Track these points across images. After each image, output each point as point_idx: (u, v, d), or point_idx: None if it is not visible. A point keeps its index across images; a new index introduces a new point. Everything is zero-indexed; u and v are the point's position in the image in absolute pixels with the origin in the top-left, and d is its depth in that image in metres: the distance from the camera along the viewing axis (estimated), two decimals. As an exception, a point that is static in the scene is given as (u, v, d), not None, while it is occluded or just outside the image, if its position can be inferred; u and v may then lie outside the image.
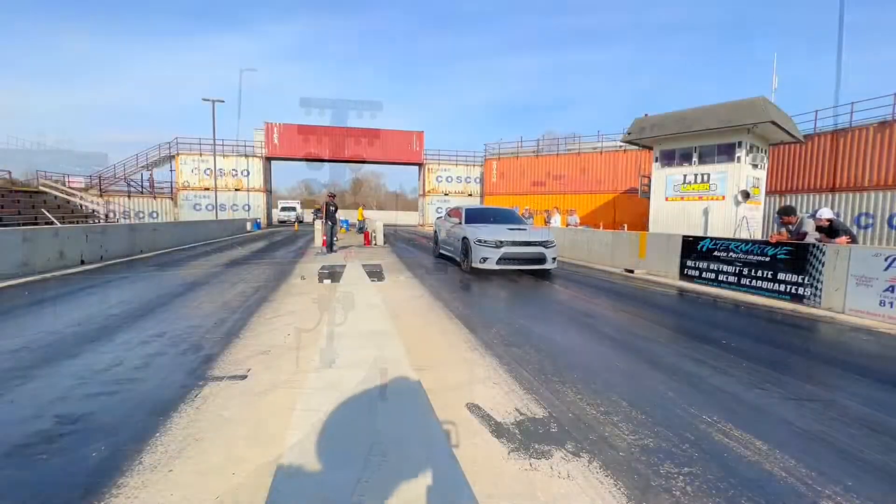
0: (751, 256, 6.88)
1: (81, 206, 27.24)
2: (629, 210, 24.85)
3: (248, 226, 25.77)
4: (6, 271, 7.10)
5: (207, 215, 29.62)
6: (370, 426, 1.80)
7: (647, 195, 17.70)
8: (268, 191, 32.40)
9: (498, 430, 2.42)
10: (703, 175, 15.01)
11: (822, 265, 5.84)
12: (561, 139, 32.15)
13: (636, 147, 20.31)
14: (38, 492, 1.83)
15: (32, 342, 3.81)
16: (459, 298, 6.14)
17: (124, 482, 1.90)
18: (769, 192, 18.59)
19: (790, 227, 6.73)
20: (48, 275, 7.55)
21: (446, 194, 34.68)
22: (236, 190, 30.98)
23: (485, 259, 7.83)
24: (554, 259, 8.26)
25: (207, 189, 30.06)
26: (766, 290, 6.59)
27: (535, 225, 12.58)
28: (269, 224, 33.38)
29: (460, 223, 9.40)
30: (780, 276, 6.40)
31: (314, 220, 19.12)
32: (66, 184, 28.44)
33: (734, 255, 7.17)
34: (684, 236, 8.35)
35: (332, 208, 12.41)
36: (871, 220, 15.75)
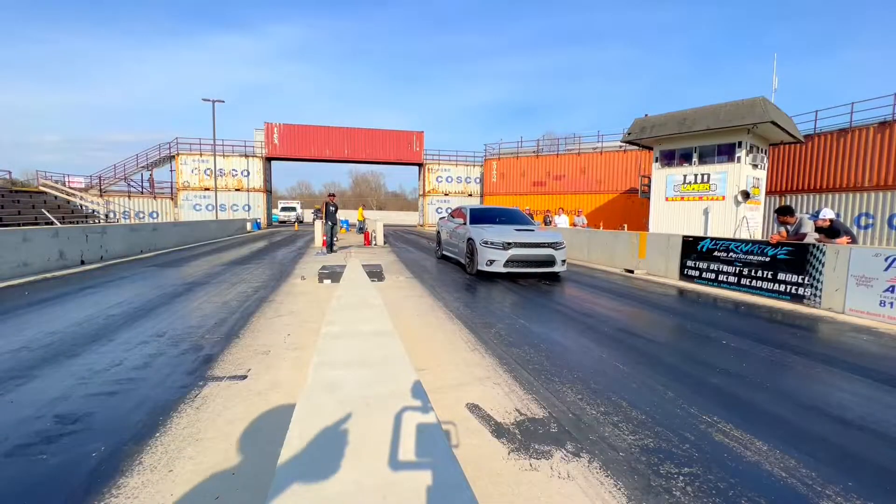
0: (751, 257, 6.88)
1: (81, 207, 27.25)
2: (629, 210, 24.86)
3: (248, 226, 25.79)
4: (6, 271, 7.10)
5: (207, 215, 29.63)
6: (370, 426, 1.80)
7: (647, 195, 17.71)
8: (268, 191, 32.40)
9: (498, 430, 2.42)
10: (703, 175, 15.02)
11: (822, 265, 5.85)
12: (561, 139, 32.19)
13: (636, 147, 20.32)
14: (38, 492, 1.83)
15: (32, 342, 3.81)
16: (459, 299, 6.14)
17: (124, 482, 1.90)
18: (769, 193, 18.60)
19: (788, 226, 6.73)
20: (48, 275, 7.56)
21: (446, 194, 34.68)
22: (236, 190, 30.98)
23: (491, 261, 7.58)
24: (563, 261, 7.97)
25: (207, 189, 30.07)
26: (766, 290, 6.59)
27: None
28: (269, 224, 33.40)
29: (464, 224, 9.10)
30: (780, 276, 6.40)
31: (314, 220, 19.12)
32: (66, 184, 28.45)
33: (734, 256, 7.17)
34: (684, 236, 8.35)
35: (332, 208, 12.42)
36: (871, 220, 15.75)
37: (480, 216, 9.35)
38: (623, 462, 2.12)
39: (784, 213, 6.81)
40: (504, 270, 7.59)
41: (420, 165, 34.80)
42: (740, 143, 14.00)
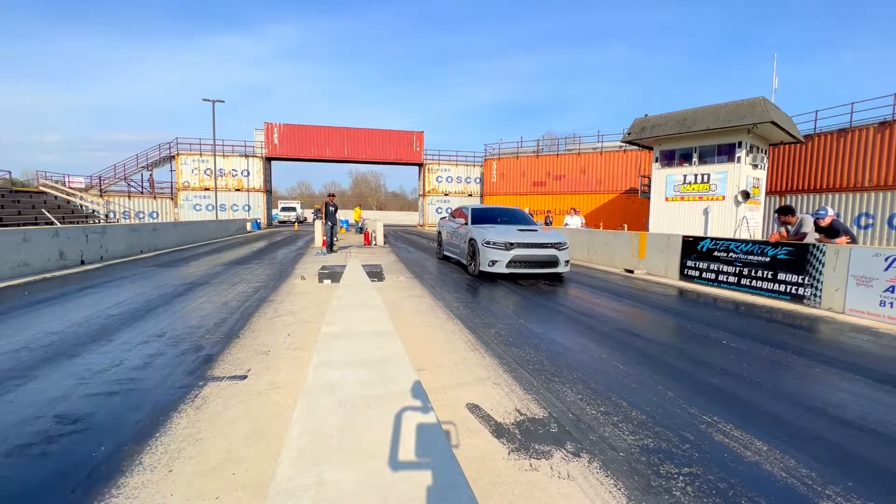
0: (751, 257, 6.88)
1: (81, 207, 27.25)
2: (629, 210, 24.86)
3: (248, 226, 25.78)
4: (6, 271, 7.10)
5: (208, 215, 29.63)
6: (370, 426, 1.80)
7: (647, 195, 17.72)
8: (268, 191, 32.40)
9: (498, 430, 2.42)
10: (703, 175, 15.02)
11: (822, 265, 5.85)
12: (561, 139, 32.24)
13: (636, 147, 20.33)
14: (39, 491, 1.83)
15: (32, 342, 3.81)
16: (459, 299, 6.14)
17: (124, 482, 1.90)
18: (769, 193, 18.60)
19: (789, 226, 6.73)
20: (48, 275, 7.56)
21: (446, 194, 34.68)
22: (236, 190, 30.99)
23: (494, 262, 7.52)
24: (567, 262, 7.91)
25: (207, 189, 30.07)
26: (766, 290, 6.59)
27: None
28: (270, 224, 33.40)
29: (466, 224, 9.03)
30: (780, 276, 6.40)
31: (314, 220, 19.13)
32: (67, 184, 28.45)
33: (734, 256, 7.17)
34: (684, 236, 8.35)
35: (331, 208, 12.42)
36: (871, 221, 15.76)
37: (482, 216, 9.29)
38: (623, 462, 2.12)
39: (785, 212, 6.80)
40: (507, 271, 7.54)
41: (420, 165, 34.80)
42: (740, 143, 14.00)
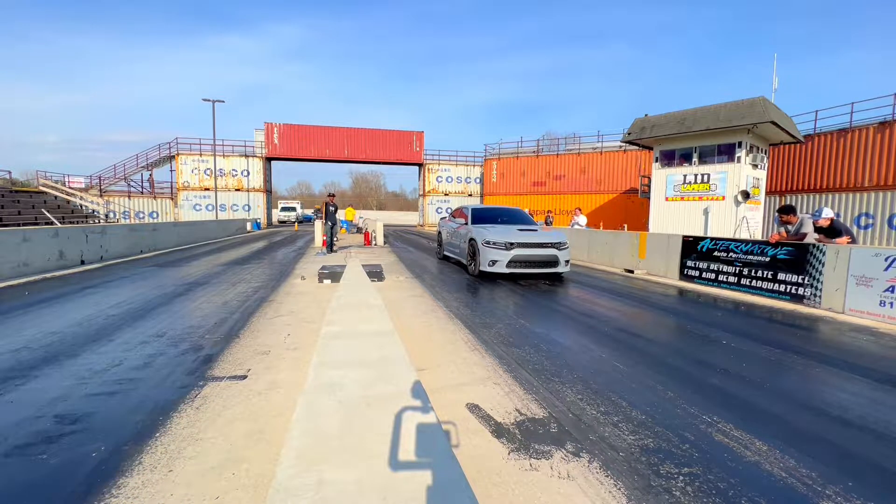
0: (751, 256, 6.88)
1: (81, 207, 27.25)
2: (629, 210, 24.86)
3: (248, 226, 25.78)
4: (6, 271, 7.10)
5: (207, 215, 29.63)
6: (370, 426, 1.80)
7: (647, 195, 17.71)
8: (268, 191, 32.40)
9: (498, 430, 2.42)
10: (703, 175, 15.02)
11: (822, 265, 5.85)
12: (561, 139, 32.24)
13: (636, 147, 20.32)
14: (38, 492, 1.83)
15: (32, 342, 3.81)
16: (459, 299, 6.14)
17: (124, 482, 1.90)
18: (769, 193, 18.60)
19: (789, 226, 6.72)
20: (48, 275, 7.56)
21: (446, 194, 34.68)
22: (236, 190, 30.98)
23: (494, 262, 7.52)
24: (567, 262, 7.91)
25: (207, 189, 30.07)
26: (766, 290, 6.59)
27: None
28: (269, 224, 33.40)
29: (466, 224, 9.03)
30: (780, 276, 6.40)
31: (314, 220, 19.13)
32: (66, 184, 28.45)
33: (734, 256, 7.17)
34: (684, 236, 8.35)
35: (331, 208, 12.42)
36: (871, 220, 15.75)
37: (482, 216, 9.28)
38: (623, 462, 2.12)
39: (786, 212, 6.80)
40: (507, 271, 7.53)
41: (420, 165, 34.79)
42: (740, 143, 14.00)
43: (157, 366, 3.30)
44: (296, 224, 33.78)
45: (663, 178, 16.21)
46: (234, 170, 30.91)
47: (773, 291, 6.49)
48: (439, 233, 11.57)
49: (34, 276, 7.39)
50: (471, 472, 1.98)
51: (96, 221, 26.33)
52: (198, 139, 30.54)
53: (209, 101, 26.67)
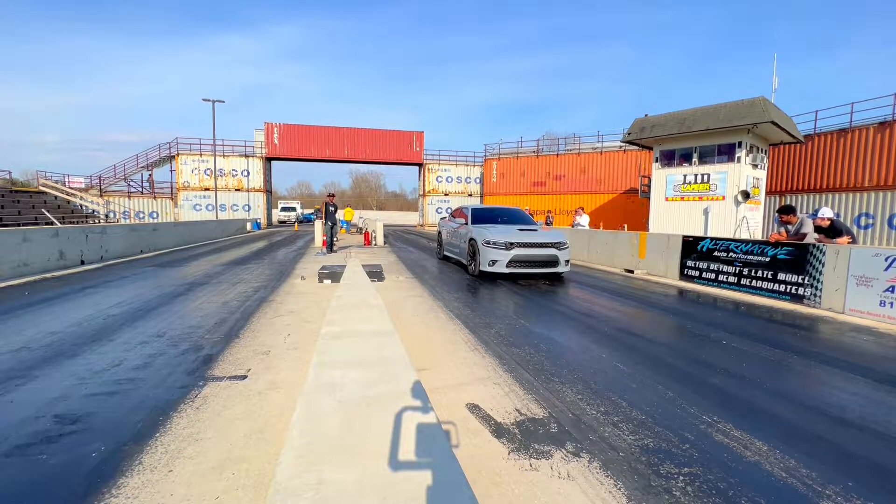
0: (751, 256, 6.88)
1: (81, 207, 27.25)
2: (629, 210, 24.86)
3: (248, 226, 25.78)
4: (6, 271, 7.10)
5: (207, 215, 29.63)
6: (370, 426, 1.80)
7: (647, 195, 17.71)
8: (268, 191, 32.40)
9: (498, 430, 2.42)
10: (703, 175, 15.02)
11: (823, 265, 5.85)
12: (561, 139, 32.22)
13: (636, 147, 20.33)
14: (38, 492, 1.83)
15: (32, 342, 3.81)
16: (459, 299, 6.14)
17: (124, 482, 1.90)
18: (769, 193, 18.60)
19: (789, 226, 6.73)
20: (48, 275, 7.56)
21: (446, 194, 34.69)
22: (236, 190, 30.99)
23: (494, 262, 7.52)
24: (567, 262, 7.91)
25: (207, 189, 30.07)
26: (766, 290, 6.59)
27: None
28: (269, 224, 33.40)
29: (466, 224, 9.02)
30: (780, 276, 6.40)
31: (315, 219, 19.13)
32: (67, 184, 28.45)
33: (734, 256, 7.17)
34: (684, 236, 8.35)
35: (331, 208, 12.42)
36: (871, 220, 15.76)
37: (482, 216, 9.28)
38: (623, 462, 2.12)
39: (786, 212, 6.80)
40: (507, 271, 7.53)
41: (420, 165, 34.80)
42: (740, 143, 14.00)
43: (157, 366, 3.30)
44: (296, 224, 33.79)
45: (663, 178, 16.22)
46: (234, 170, 30.92)
47: (773, 291, 6.49)
48: (439, 233, 11.56)
49: (34, 276, 7.39)
50: (471, 472, 1.98)
51: (96, 221, 26.32)
52: (198, 139, 30.57)
53: (209, 101, 26.67)
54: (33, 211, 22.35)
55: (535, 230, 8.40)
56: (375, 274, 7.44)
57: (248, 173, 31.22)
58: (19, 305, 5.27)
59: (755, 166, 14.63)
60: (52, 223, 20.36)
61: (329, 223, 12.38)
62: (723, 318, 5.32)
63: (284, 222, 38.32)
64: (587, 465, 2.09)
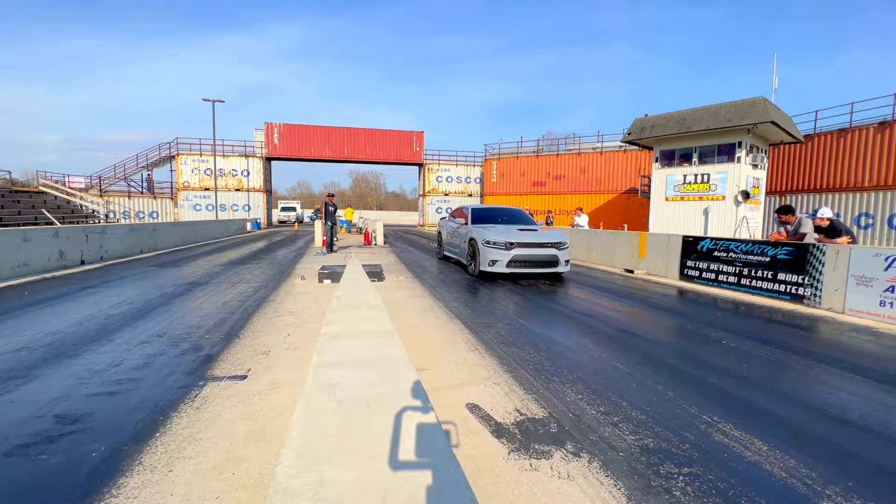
0: (751, 257, 6.88)
1: (81, 207, 27.24)
2: (629, 210, 24.86)
3: (248, 226, 25.78)
4: (6, 271, 7.10)
5: (207, 215, 29.63)
6: (370, 426, 1.80)
7: (647, 195, 17.71)
8: (268, 191, 32.40)
9: (498, 430, 2.42)
10: (703, 175, 15.02)
11: (822, 265, 5.85)
12: (561, 139, 32.18)
13: (636, 147, 20.33)
14: (38, 492, 1.83)
15: (32, 342, 3.81)
16: (459, 299, 6.14)
17: (124, 482, 1.90)
18: (769, 193, 18.60)
19: (788, 226, 6.73)
20: (48, 275, 7.56)
21: (446, 194, 34.68)
22: (236, 190, 30.98)
23: (494, 262, 7.52)
24: (567, 262, 7.90)
25: (207, 189, 30.07)
26: (766, 290, 6.59)
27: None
28: (269, 224, 33.40)
29: (466, 224, 9.02)
30: (780, 276, 6.40)
31: (314, 220, 19.14)
32: (67, 184, 28.44)
33: (734, 256, 7.17)
34: (684, 236, 8.35)
35: (331, 208, 12.42)
36: (871, 220, 15.76)
37: (482, 216, 9.28)
38: (623, 462, 2.12)
39: (784, 212, 6.80)
40: (507, 271, 7.53)
41: (420, 165, 34.80)
42: (740, 143, 14.00)
43: (157, 366, 3.30)
44: (296, 224, 33.79)
45: (663, 178, 16.21)
46: (234, 170, 30.91)
47: (773, 291, 6.49)
48: (439, 233, 11.56)
49: (34, 276, 7.38)
50: (471, 471, 1.98)
51: (96, 221, 26.32)
52: (198, 139, 30.57)
53: (209, 101, 26.67)
54: (33, 211, 22.35)
55: (536, 230, 8.40)
56: (375, 274, 7.44)
57: (248, 173, 31.22)
58: (19, 305, 5.27)
59: (755, 166, 14.63)
60: (52, 223, 20.36)
61: (329, 223, 12.39)
62: (723, 318, 5.31)
63: (284, 222, 38.32)
64: (587, 465, 2.09)
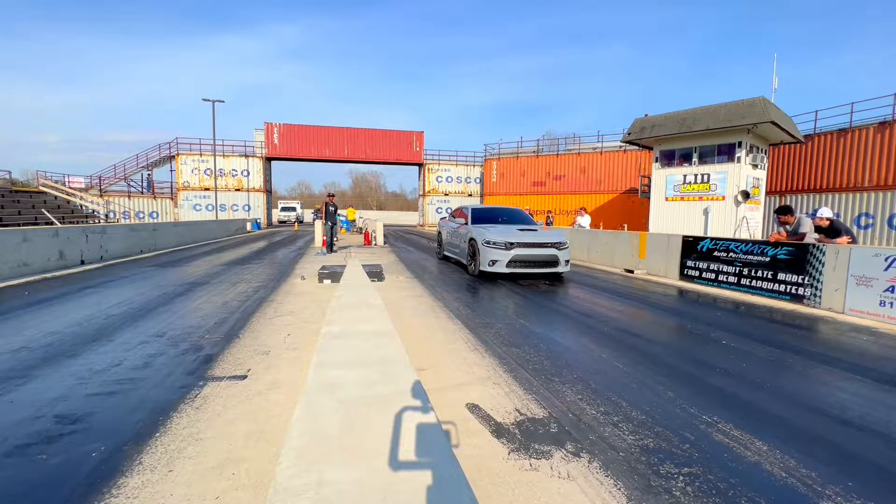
0: (751, 257, 6.88)
1: (81, 207, 27.24)
2: (629, 210, 24.86)
3: (248, 226, 25.77)
4: (6, 271, 7.10)
5: (207, 215, 29.62)
6: (370, 426, 1.80)
7: (647, 195, 17.71)
8: (268, 191, 32.39)
9: (498, 430, 2.42)
10: (703, 175, 15.02)
11: (822, 265, 5.85)
12: (561, 139, 32.20)
13: (636, 147, 20.33)
14: (39, 491, 1.83)
15: (32, 342, 3.81)
16: (459, 299, 6.14)
17: (124, 482, 1.90)
18: (769, 193, 18.60)
19: (788, 226, 6.73)
20: (48, 275, 7.56)
21: (446, 194, 34.68)
22: (236, 190, 30.98)
23: (494, 262, 7.52)
24: (567, 262, 7.90)
25: (207, 189, 30.06)
26: (766, 290, 6.59)
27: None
28: (269, 224, 33.39)
29: (466, 224, 9.02)
30: (780, 276, 6.40)
31: (314, 220, 19.14)
32: (67, 184, 28.44)
33: (734, 256, 7.17)
34: (684, 236, 8.35)
35: (331, 208, 12.42)
36: (871, 220, 15.75)
37: (482, 216, 9.28)
38: (623, 462, 2.12)
39: (783, 212, 6.81)
40: (507, 271, 7.53)
41: (420, 165, 34.79)
42: (740, 143, 14.00)
43: (157, 366, 3.30)
44: (296, 224, 33.78)
45: (663, 178, 16.21)
46: (234, 170, 30.91)
47: (773, 291, 6.49)
48: (439, 233, 11.57)
49: (34, 276, 7.38)
50: (471, 472, 1.98)
51: (96, 221, 26.32)
52: (198, 139, 30.56)
53: (209, 101, 26.66)
54: (33, 211, 22.34)
55: (536, 230, 8.40)
56: (375, 274, 7.44)
57: (248, 173, 31.22)
58: (19, 305, 5.27)
59: (755, 166, 14.63)
60: (52, 223, 20.36)
61: (329, 223, 12.39)
62: (723, 318, 5.31)
63: (284, 222, 38.31)
64: (587, 465, 2.09)
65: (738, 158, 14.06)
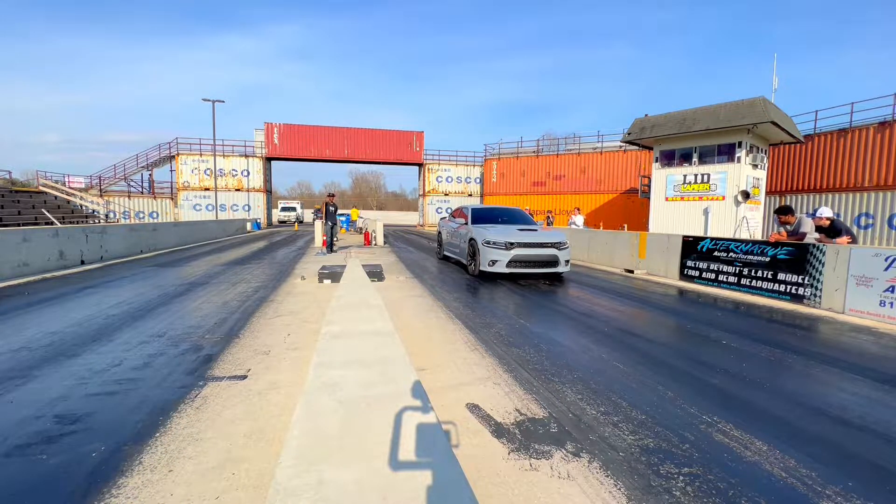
0: (751, 256, 6.88)
1: (81, 207, 27.24)
2: (629, 210, 24.86)
3: (248, 226, 25.78)
4: (6, 271, 7.10)
5: (207, 215, 29.63)
6: (370, 426, 1.80)
7: (647, 195, 17.72)
8: (268, 191, 32.40)
9: (498, 430, 2.42)
10: (703, 175, 15.02)
11: (822, 265, 5.85)
12: (561, 139, 32.25)
13: (636, 147, 20.33)
14: (39, 492, 1.83)
15: (32, 342, 3.81)
16: (459, 299, 6.14)
17: (124, 482, 1.90)
18: (769, 193, 18.60)
19: (788, 226, 6.73)
20: (48, 275, 7.56)
21: (446, 194, 34.68)
22: (236, 190, 30.98)
23: (494, 262, 7.52)
24: (567, 262, 7.89)
25: (207, 189, 30.07)
26: (766, 290, 6.59)
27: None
28: (269, 224, 33.40)
29: (466, 224, 9.02)
30: (780, 276, 6.40)
31: (314, 220, 19.14)
32: (67, 184, 28.44)
33: (734, 256, 7.17)
34: (684, 236, 8.35)
35: (331, 208, 12.42)
36: (871, 220, 15.75)
37: (482, 216, 9.28)
38: (623, 462, 2.12)
39: (783, 212, 6.81)
40: (507, 271, 7.53)
41: (420, 165, 34.80)
42: (740, 143, 14.00)
43: (157, 366, 3.30)
44: (296, 224, 33.79)
45: (663, 178, 16.22)
46: (234, 170, 30.91)
47: (773, 291, 6.49)
48: (439, 233, 11.57)
49: (34, 276, 7.39)
50: (471, 472, 1.98)
51: (96, 221, 26.32)
52: (198, 139, 30.57)
53: (209, 101, 26.67)
54: (33, 211, 22.34)
55: (536, 230, 8.40)
56: (375, 274, 7.44)
57: (248, 173, 31.22)
58: (19, 305, 5.27)
59: (755, 166, 14.63)
60: (52, 223, 20.37)
61: (329, 223, 12.39)
62: (723, 319, 5.31)
63: (284, 222, 38.32)
64: (587, 465, 2.09)
65: (738, 158, 14.06)
